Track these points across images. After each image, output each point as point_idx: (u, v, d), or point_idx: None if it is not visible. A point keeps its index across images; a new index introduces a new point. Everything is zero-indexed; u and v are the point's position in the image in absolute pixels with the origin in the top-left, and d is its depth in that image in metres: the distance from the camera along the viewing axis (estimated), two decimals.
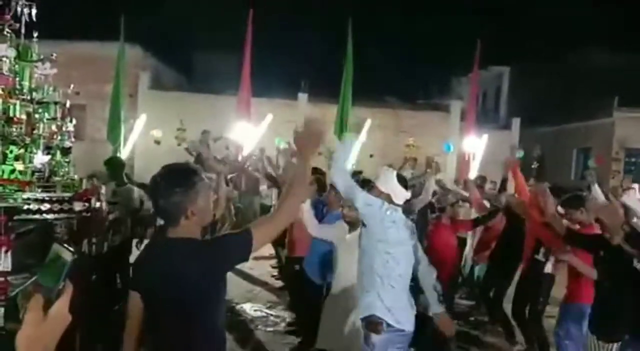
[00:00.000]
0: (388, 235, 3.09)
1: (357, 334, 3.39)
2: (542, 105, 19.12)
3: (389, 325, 3.04)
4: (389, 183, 3.29)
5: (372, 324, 3.04)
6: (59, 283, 1.12)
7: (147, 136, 13.95)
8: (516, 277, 5.66)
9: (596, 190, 5.13)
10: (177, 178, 2.01)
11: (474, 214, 6.76)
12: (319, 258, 4.60)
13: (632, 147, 17.18)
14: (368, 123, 13.54)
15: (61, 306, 1.12)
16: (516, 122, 16.19)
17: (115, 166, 6.44)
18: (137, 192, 11.22)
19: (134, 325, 2.15)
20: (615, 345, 3.44)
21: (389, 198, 3.24)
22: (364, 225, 3.24)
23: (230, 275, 2.20)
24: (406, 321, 3.11)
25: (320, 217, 4.61)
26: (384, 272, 3.10)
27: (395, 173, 3.40)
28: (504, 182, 6.04)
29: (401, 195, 3.30)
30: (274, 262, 8.51)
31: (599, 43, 19.88)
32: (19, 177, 3.23)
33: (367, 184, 6.22)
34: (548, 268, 5.04)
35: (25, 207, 3.35)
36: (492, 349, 5.73)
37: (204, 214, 2.05)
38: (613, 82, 17.12)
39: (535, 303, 5.21)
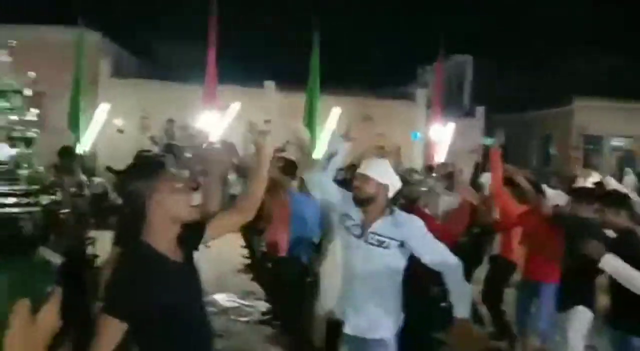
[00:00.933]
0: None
1: None
2: (505, 94, 19.55)
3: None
4: (388, 174, 3.04)
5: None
6: (46, 286, 1.08)
7: (110, 125, 13.57)
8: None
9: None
10: (138, 168, 1.99)
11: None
12: (298, 251, 4.60)
13: (590, 134, 17.78)
14: (337, 111, 13.56)
15: (50, 311, 1.09)
16: (480, 110, 16.51)
17: (67, 156, 6.20)
18: (101, 184, 10.94)
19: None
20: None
21: (384, 191, 3.00)
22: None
23: (202, 265, 2.15)
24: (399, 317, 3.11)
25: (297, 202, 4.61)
26: (397, 285, 3.05)
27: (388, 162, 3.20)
28: (477, 168, 6.15)
29: (397, 185, 3.08)
30: (245, 251, 8.44)
31: (558, 32, 20.40)
32: None
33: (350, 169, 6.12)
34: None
35: None
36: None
37: (172, 205, 1.90)
38: (571, 70, 17.67)
39: (498, 289, 5.40)
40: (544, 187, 5.18)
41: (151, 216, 1.89)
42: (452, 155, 13.61)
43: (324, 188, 3.21)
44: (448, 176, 6.49)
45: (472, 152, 15.56)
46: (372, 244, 2.96)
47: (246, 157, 6.99)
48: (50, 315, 1.08)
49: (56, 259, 1.08)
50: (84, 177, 6.51)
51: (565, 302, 3.88)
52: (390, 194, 3.03)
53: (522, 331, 4.83)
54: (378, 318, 2.99)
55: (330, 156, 3.31)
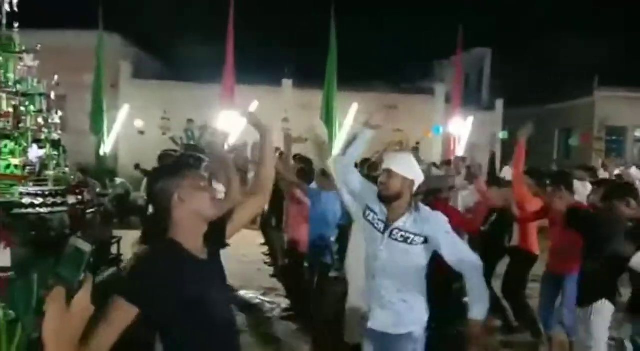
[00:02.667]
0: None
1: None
2: (525, 87, 19.30)
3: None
4: (414, 168, 2.97)
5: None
6: (79, 275, 1.13)
7: (131, 126, 13.80)
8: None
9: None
10: (164, 167, 2.08)
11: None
12: (324, 242, 4.64)
13: (612, 125, 17.45)
14: (354, 107, 13.57)
15: (83, 297, 1.13)
16: (500, 103, 16.32)
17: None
18: (122, 184, 11.12)
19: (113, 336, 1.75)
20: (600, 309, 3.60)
21: (410, 187, 2.95)
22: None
23: (223, 263, 2.15)
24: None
25: (317, 201, 4.64)
26: (421, 279, 3.03)
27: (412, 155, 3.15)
28: (492, 159, 6.11)
29: (421, 179, 3.02)
30: (266, 248, 8.52)
31: (578, 24, 20.04)
32: (15, 171, 3.17)
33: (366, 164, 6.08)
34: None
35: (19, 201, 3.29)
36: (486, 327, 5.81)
37: (196, 202, 1.92)
38: (593, 63, 17.35)
39: (520, 281, 5.36)
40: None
41: (177, 214, 1.90)
42: (472, 149, 13.53)
43: (348, 177, 3.20)
44: (467, 170, 6.46)
45: (490, 145, 15.47)
46: (396, 240, 2.95)
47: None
48: (83, 303, 1.13)
49: (87, 248, 1.13)
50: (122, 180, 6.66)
51: (587, 296, 3.84)
52: (414, 189, 2.99)
53: (547, 324, 4.79)
54: (404, 313, 2.97)
55: (350, 142, 3.29)
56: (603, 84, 17.08)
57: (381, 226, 3.02)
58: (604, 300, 3.72)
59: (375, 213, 3.04)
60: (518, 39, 21.90)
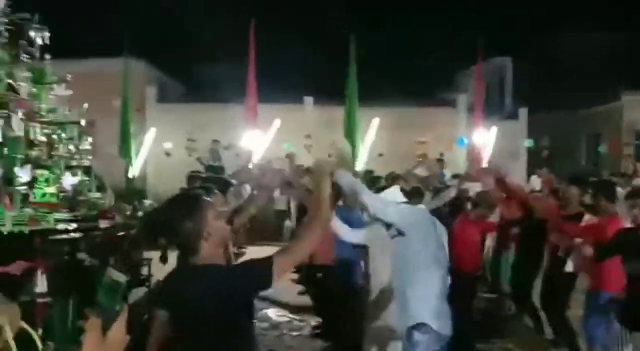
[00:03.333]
0: (429, 238, 3.13)
1: (395, 336, 3.40)
2: (548, 94, 19.04)
3: (433, 330, 3.08)
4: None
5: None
6: (115, 304, 1.16)
7: (158, 149, 14.07)
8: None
9: None
10: (181, 209, 2.00)
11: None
12: (345, 267, 4.63)
13: None
14: (376, 122, 13.58)
15: (119, 328, 1.16)
16: (523, 112, 16.13)
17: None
18: (151, 206, 11.29)
19: (157, 343, 2.07)
20: None
21: None
22: (400, 234, 3.21)
23: None
24: (445, 326, 3.14)
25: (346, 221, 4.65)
26: (434, 278, 3.13)
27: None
28: None
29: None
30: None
31: (602, 26, 19.74)
32: (50, 199, 3.29)
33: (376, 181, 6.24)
34: (569, 267, 5.00)
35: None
36: (519, 340, 5.72)
37: (221, 232, 2.04)
38: (619, 66, 17.04)
39: (560, 296, 5.20)
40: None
41: (204, 248, 1.97)
42: (497, 159, 13.36)
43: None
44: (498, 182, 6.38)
45: (515, 154, 15.25)
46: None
47: (291, 175, 7.12)
48: (120, 333, 1.16)
49: (122, 279, 1.17)
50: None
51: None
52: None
53: (592, 341, 4.62)
54: (404, 308, 3.18)
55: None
56: (631, 88, 16.74)
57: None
58: None
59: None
60: (540, 46, 21.65)
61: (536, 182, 12.01)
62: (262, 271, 1.98)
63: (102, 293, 1.19)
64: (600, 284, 4.39)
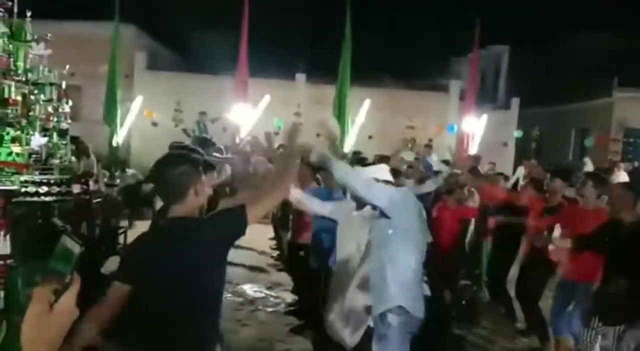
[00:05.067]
0: (412, 222, 3.10)
1: (360, 313, 3.37)
2: (542, 85, 19.02)
3: (407, 312, 3.06)
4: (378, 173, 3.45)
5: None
6: (66, 274, 1.08)
7: (144, 117, 13.86)
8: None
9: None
10: (183, 157, 2.13)
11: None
12: (323, 246, 4.59)
13: (631, 127, 17.13)
14: (367, 103, 13.47)
15: (68, 300, 1.08)
16: (515, 102, 16.10)
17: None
18: (134, 175, 11.18)
19: (109, 315, 1.98)
20: (616, 329, 3.44)
21: None
22: (384, 216, 3.14)
23: (230, 255, 2.22)
24: (419, 309, 3.13)
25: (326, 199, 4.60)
26: (412, 262, 3.11)
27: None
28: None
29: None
30: (273, 243, 8.51)
31: (598, 22, 19.69)
32: (17, 159, 3.18)
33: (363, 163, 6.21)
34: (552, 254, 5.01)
35: (23, 189, 3.30)
36: (492, 329, 5.76)
37: (204, 196, 2.15)
38: (612, 62, 17.02)
39: (535, 285, 5.24)
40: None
41: (187, 203, 2.06)
42: (486, 148, 13.37)
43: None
44: (472, 169, 6.39)
45: (505, 144, 15.28)
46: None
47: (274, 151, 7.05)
48: (67, 305, 1.08)
49: (76, 249, 1.09)
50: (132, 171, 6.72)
51: (614, 315, 3.61)
52: (384, 178, 3.44)
53: (557, 329, 4.68)
54: (380, 292, 3.14)
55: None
56: (623, 84, 16.75)
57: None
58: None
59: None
60: (536, 37, 21.57)
61: (521, 172, 12.05)
62: (236, 218, 2.08)
63: (54, 261, 1.10)
64: (573, 274, 4.41)
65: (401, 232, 3.12)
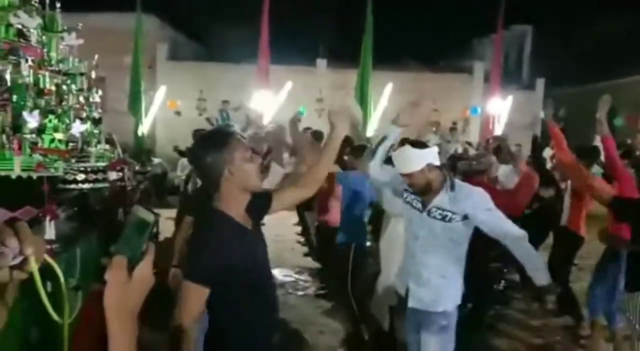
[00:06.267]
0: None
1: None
2: (566, 65, 18.62)
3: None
4: (420, 155, 2.98)
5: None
6: (141, 243, 1.11)
7: (168, 107, 14.01)
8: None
9: None
10: (209, 139, 1.99)
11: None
12: (352, 226, 4.62)
13: None
14: (389, 87, 13.38)
15: (145, 268, 1.12)
16: (540, 83, 15.80)
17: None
18: (160, 164, 11.33)
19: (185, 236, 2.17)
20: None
21: (431, 170, 2.98)
22: (465, 218, 2.96)
23: None
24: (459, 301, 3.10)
25: (346, 182, 4.63)
26: (467, 258, 3.02)
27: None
28: (535, 141, 5.94)
29: (435, 152, 3.05)
30: (299, 229, 8.57)
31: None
32: (59, 146, 3.25)
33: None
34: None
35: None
36: (524, 310, 5.74)
37: (244, 175, 1.95)
38: (638, 40, 16.55)
39: (566, 263, 5.22)
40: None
41: (226, 187, 1.94)
42: (511, 129, 13.18)
43: (380, 176, 3.24)
44: (497, 150, 6.31)
45: (531, 125, 15.03)
46: (435, 218, 2.95)
47: (301, 138, 7.09)
48: (146, 272, 1.12)
49: (150, 217, 1.11)
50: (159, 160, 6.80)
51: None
52: (436, 162, 2.96)
53: (594, 311, 4.65)
54: (442, 290, 3.00)
55: (381, 141, 3.22)
56: None
57: (419, 205, 3.03)
58: None
59: (412, 193, 3.06)
60: (560, 15, 21.07)
61: (548, 153, 11.87)
62: (259, 201, 2.06)
63: (128, 231, 1.13)
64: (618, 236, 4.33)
65: (469, 232, 3.00)
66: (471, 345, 4.17)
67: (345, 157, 5.21)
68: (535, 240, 5.73)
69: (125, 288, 1.08)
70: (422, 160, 2.90)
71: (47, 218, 2.78)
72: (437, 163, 2.97)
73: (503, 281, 6.25)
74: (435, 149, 3.05)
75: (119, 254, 1.09)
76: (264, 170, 3.61)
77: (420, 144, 3.06)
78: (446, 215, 2.92)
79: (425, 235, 2.99)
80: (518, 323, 5.40)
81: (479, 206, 2.89)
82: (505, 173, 5.94)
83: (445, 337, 2.99)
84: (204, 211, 2.06)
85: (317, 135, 7.97)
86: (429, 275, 2.99)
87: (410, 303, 3.06)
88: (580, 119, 18.43)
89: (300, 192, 2.33)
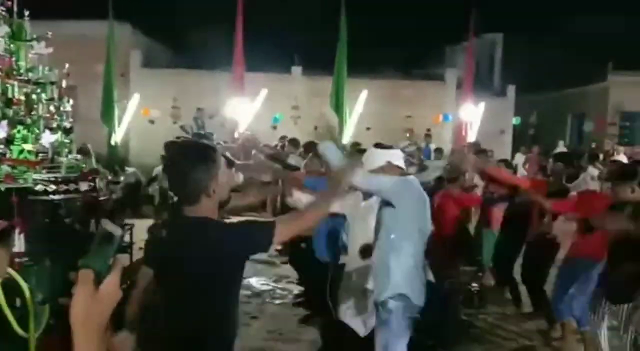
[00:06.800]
0: (415, 210, 3.12)
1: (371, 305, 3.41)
2: (537, 72, 19.06)
3: (408, 299, 3.11)
4: (374, 158, 3.36)
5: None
6: (109, 257, 1.11)
7: (142, 115, 13.85)
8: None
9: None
10: (198, 155, 1.94)
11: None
12: (327, 237, 4.62)
13: (627, 111, 17.21)
14: (364, 94, 13.48)
15: (112, 281, 1.12)
16: (512, 89, 16.14)
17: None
18: (134, 173, 11.18)
19: (140, 296, 2.15)
20: (625, 307, 3.50)
21: (389, 167, 3.28)
22: (389, 205, 3.14)
23: None
24: (420, 297, 3.18)
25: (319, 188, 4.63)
26: (414, 250, 3.15)
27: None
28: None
29: (396, 154, 3.41)
30: None
31: (591, 8, 19.70)
32: (28, 157, 3.19)
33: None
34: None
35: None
36: (499, 314, 5.82)
37: (223, 191, 1.99)
38: (607, 47, 17.05)
39: (542, 268, 5.31)
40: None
41: (205, 200, 1.91)
42: (483, 136, 13.41)
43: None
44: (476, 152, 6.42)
45: (502, 132, 15.34)
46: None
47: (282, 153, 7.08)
48: (113, 285, 1.11)
49: (117, 231, 1.11)
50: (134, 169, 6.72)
51: (623, 294, 3.69)
52: (398, 163, 3.29)
53: (560, 315, 4.75)
54: (384, 279, 3.17)
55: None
56: (617, 68, 16.80)
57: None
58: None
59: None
60: (530, 23, 21.56)
61: (520, 159, 12.12)
62: (264, 233, 1.96)
63: (95, 245, 1.13)
64: (577, 252, 4.49)
65: (404, 220, 3.13)
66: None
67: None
68: (512, 245, 5.87)
69: (91, 301, 1.07)
70: (382, 158, 3.27)
71: (17, 231, 2.72)
72: (398, 163, 3.30)
73: (475, 284, 6.33)
74: (398, 151, 3.43)
75: (86, 268, 1.08)
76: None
77: (383, 146, 3.46)
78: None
79: (379, 223, 3.25)
80: (495, 326, 5.47)
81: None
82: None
83: (386, 331, 3.10)
84: (188, 220, 1.99)
85: (294, 143, 7.99)
86: (379, 263, 3.21)
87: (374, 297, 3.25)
88: (550, 124, 18.91)
89: (298, 226, 2.14)
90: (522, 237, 5.78)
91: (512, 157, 14.09)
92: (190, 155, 1.94)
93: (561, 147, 14.88)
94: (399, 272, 3.12)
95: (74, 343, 1.08)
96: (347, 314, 3.78)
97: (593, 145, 15.80)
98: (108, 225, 1.13)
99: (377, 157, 3.28)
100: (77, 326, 1.07)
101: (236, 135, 12.76)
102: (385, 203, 3.20)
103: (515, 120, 16.02)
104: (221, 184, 1.94)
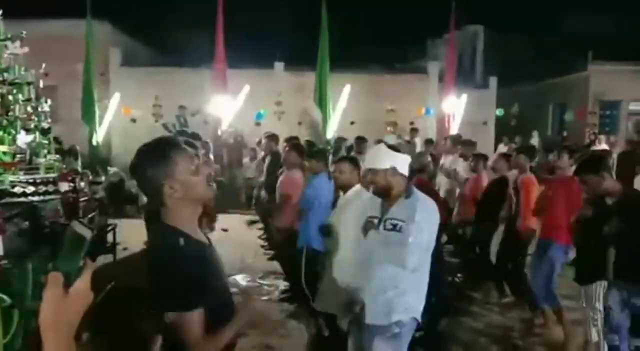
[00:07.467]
0: (431, 232, 2.97)
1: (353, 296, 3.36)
2: (518, 63, 19.22)
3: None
4: (390, 157, 3.04)
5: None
6: (78, 259, 1.11)
7: (123, 114, 13.71)
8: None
9: None
10: (147, 153, 1.81)
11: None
12: (312, 227, 4.63)
13: (606, 100, 17.43)
14: (347, 89, 13.49)
15: (82, 283, 1.10)
16: (493, 81, 16.26)
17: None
18: (116, 173, 11.07)
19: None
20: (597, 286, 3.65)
21: (396, 174, 3.00)
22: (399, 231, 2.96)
23: (223, 248, 2.11)
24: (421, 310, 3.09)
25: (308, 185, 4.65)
26: (427, 270, 3.01)
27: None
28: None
29: (405, 160, 3.13)
30: (261, 233, 8.54)
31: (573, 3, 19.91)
32: (4, 158, 3.14)
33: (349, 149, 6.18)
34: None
35: (10, 190, 3.27)
36: (482, 303, 5.88)
37: (190, 188, 1.79)
38: (586, 37, 17.26)
39: (517, 256, 5.41)
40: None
41: (170, 201, 1.78)
42: (466, 127, 13.50)
43: None
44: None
45: (485, 123, 15.46)
46: (388, 229, 2.96)
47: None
48: (82, 288, 1.10)
49: (87, 234, 1.10)
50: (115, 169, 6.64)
51: (586, 276, 3.83)
52: (403, 171, 3.01)
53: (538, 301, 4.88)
54: (394, 301, 2.96)
55: None
56: (597, 58, 17.00)
57: (376, 221, 3.05)
58: (601, 279, 3.71)
59: (374, 216, 3.06)
60: (510, 15, 21.73)
61: (502, 150, 12.23)
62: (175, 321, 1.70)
63: (65, 247, 1.12)
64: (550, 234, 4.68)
65: (422, 243, 2.93)
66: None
67: (307, 163, 5.24)
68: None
69: (60, 304, 1.06)
70: (389, 160, 2.98)
71: None
72: (404, 171, 3.02)
73: (459, 274, 6.40)
74: (408, 159, 3.09)
75: (55, 270, 1.07)
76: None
77: (395, 147, 3.14)
78: (396, 224, 2.94)
79: (379, 249, 2.97)
80: (479, 315, 5.53)
81: (423, 216, 2.91)
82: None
83: (395, 344, 2.98)
84: (155, 229, 1.87)
85: (274, 139, 7.99)
86: (382, 287, 2.96)
87: (367, 320, 3.01)
88: (532, 115, 19.10)
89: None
90: (493, 224, 5.94)
91: (495, 148, 14.21)
92: (141, 155, 1.81)
93: (535, 138, 15.21)
94: (415, 294, 3.00)
95: (43, 345, 1.06)
96: (327, 304, 3.78)
97: (564, 134, 16.11)
98: (77, 227, 1.12)
99: (383, 158, 3.01)
100: (46, 328, 1.06)
101: (219, 132, 12.72)
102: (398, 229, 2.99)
103: (498, 112, 16.16)
104: (185, 180, 1.77)
